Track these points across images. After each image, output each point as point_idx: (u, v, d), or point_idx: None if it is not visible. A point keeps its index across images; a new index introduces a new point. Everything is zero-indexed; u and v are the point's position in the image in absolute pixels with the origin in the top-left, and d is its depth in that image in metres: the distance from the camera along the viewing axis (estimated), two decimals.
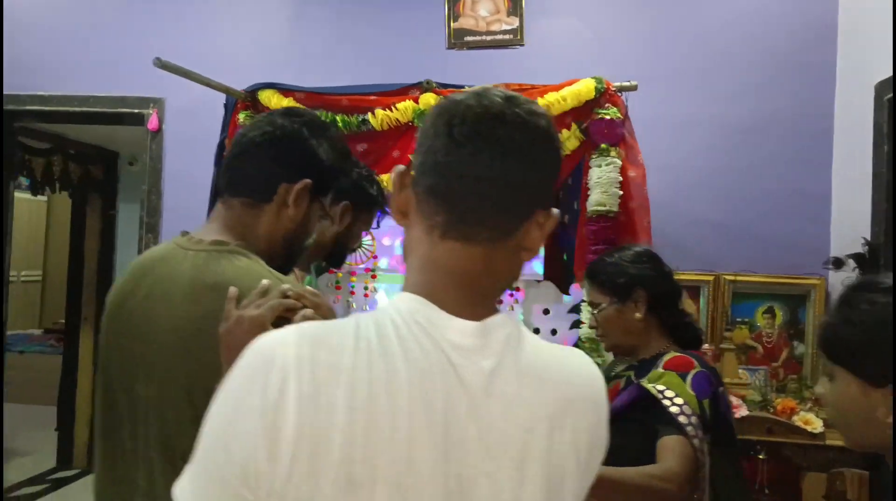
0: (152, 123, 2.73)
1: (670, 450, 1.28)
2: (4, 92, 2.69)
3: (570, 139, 1.89)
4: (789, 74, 2.53)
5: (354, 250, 1.84)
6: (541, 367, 0.66)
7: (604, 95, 1.89)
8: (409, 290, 0.66)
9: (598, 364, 1.25)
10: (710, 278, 2.55)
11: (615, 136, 1.88)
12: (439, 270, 0.66)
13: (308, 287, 1.03)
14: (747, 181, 2.57)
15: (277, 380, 0.58)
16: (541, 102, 1.87)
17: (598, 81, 1.89)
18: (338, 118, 1.94)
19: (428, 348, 0.61)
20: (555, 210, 0.70)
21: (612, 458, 1.36)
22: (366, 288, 2.30)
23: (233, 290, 0.90)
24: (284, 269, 1.04)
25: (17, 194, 3.12)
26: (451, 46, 2.61)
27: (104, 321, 1.01)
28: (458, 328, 0.63)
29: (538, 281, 2.31)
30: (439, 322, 0.63)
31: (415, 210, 0.68)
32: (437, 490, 0.60)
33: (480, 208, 0.65)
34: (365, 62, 2.63)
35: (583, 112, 1.91)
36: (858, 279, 0.90)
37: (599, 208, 1.87)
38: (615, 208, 1.88)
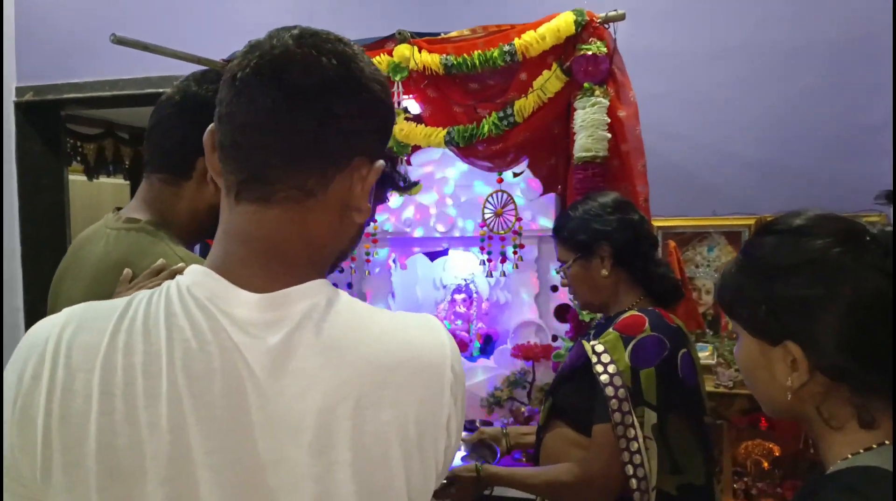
0: None
1: (595, 444, 1.23)
2: (46, 82, 2.87)
3: (550, 81, 1.74)
4: None
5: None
6: (351, 340, 0.58)
7: (586, 29, 1.72)
8: (206, 263, 0.61)
9: None
10: (751, 221, 2.32)
11: (600, 73, 1.71)
12: (235, 237, 0.60)
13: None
14: (787, 114, 2.29)
15: (33, 366, 0.55)
16: (517, 43, 1.74)
17: (579, 13, 1.72)
18: None
19: (202, 326, 0.56)
20: (380, 161, 0.63)
21: (567, 416, 1.30)
22: (367, 253, 2.28)
23: (126, 271, 0.89)
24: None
25: (73, 177, 3.33)
26: None
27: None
28: (245, 303, 0.57)
29: (552, 236, 2.19)
30: (224, 297, 0.57)
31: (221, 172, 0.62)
32: (222, 481, 0.54)
33: (269, 163, 0.58)
34: (344, 18, 2.53)
35: (565, 50, 1.75)
36: (769, 220, 0.77)
37: (585, 153, 1.72)
38: (603, 153, 1.72)
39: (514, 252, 2.14)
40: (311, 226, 0.61)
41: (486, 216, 2.13)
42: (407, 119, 1.88)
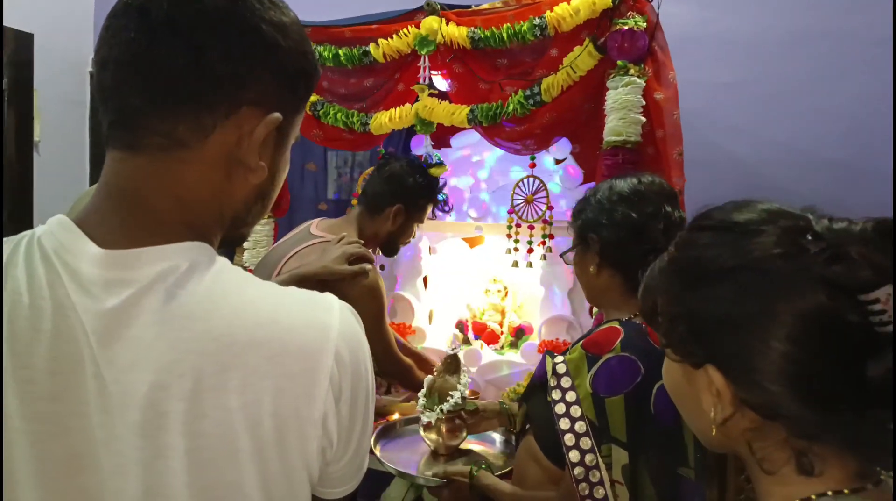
0: None
1: (562, 487, 1.04)
2: None
3: (582, 57, 1.60)
4: None
5: (406, 243, 1.90)
6: (202, 310, 0.51)
7: (625, 2, 1.57)
8: (73, 214, 0.56)
9: None
10: None
11: (637, 50, 1.56)
12: (101, 187, 0.55)
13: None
14: (873, 110, 2.02)
15: None
16: (549, 16, 1.62)
17: None
18: (340, 52, 1.85)
19: (40, 278, 0.51)
20: (274, 114, 0.56)
21: (536, 429, 1.14)
22: None
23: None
24: None
25: None
26: None
27: None
28: (91, 259, 0.51)
29: None
30: (72, 250, 0.52)
31: None
32: (43, 453, 0.49)
33: (131, 105, 0.52)
34: None
35: (600, 24, 1.61)
36: (704, 211, 0.62)
37: (615, 137, 1.57)
38: (634, 138, 1.57)
39: (542, 243, 2.02)
40: (185, 180, 0.54)
41: (516, 203, 2.02)
42: (431, 95, 1.80)
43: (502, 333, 2.41)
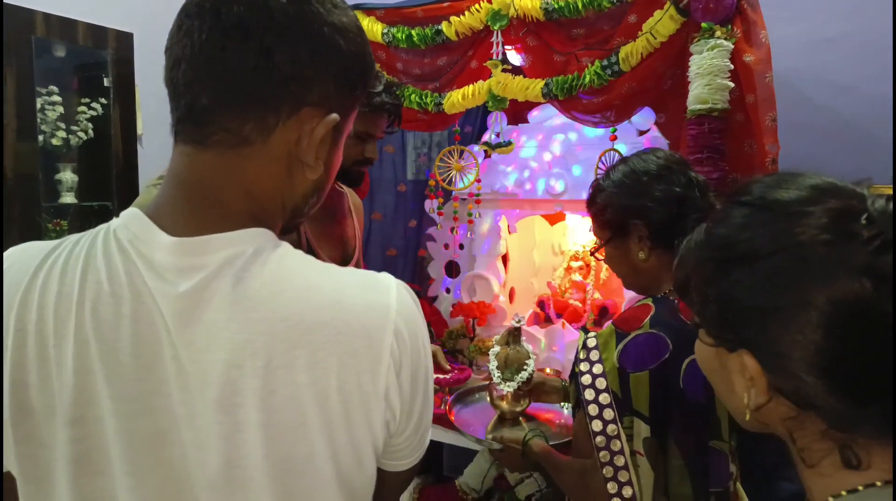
0: None
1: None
2: None
3: (662, 22, 1.51)
4: None
5: (368, 163, 1.39)
6: (269, 293, 0.54)
7: None
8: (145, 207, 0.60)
9: None
10: None
11: (723, 10, 1.45)
12: (170, 180, 0.59)
13: None
14: None
15: None
16: None
17: None
18: (413, 33, 1.85)
19: (118, 267, 0.55)
20: (332, 115, 0.58)
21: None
22: (469, 214, 2.22)
23: None
24: None
25: None
26: None
27: None
28: (163, 247, 0.55)
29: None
30: (146, 240, 0.55)
31: None
32: (131, 429, 0.54)
33: (200, 103, 0.55)
34: None
35: None
36: (741, 184, 0.57)
37: (700, 105, 1.48)
38: (722, 105, 1.47)
39: None
40: (250, 175, 0.57)
41: (599, 177, 1.96)
42: (504, 71, 1.77)
43: (585, 311, 2.36)
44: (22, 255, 0.59)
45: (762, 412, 0.54)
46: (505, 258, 2.47)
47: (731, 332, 0.54)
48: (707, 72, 1.47)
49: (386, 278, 0.60)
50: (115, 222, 0.58)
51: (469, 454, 1.95)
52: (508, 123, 2.11)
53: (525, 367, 1.54)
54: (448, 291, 2.41)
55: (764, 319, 0.51)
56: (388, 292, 0.58)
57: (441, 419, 1.68)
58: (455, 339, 2.24)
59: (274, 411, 0.53)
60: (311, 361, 0.53)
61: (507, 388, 1.54)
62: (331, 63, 0.57)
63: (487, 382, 1.67)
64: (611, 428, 1.01)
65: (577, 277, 2.40)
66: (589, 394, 1.03)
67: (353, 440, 0.56)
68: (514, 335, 1.62)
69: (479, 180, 2.13)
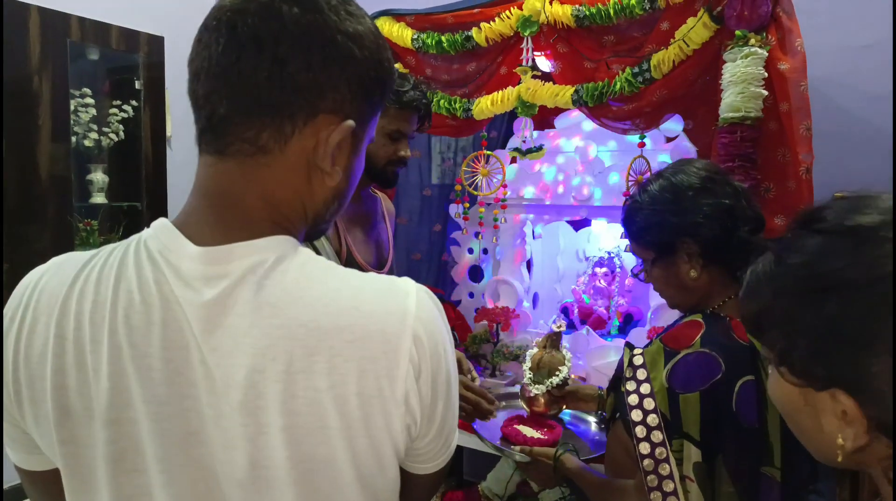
0: None
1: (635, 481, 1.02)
2: None
3: (696, 29, 1.51)
4: None
5: (402, 163, 1.38)
6: (289, 299, 0.55)
7: None
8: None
9: None
10: None
11: (758, 18, 1.44)
12: (196, 191, 0.61)
13: None
14: None
15: (12, 309, 0.60)
16: None
17: None
18: (443, 39, 1.86)
19: (148, 278, 0.57)
20: (348, 121, 0.59)
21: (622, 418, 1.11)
22: (495, 219, 2.22)
23: None
24: None
25: None
26: None
27: None
28: (190, 256, 0.57)
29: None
30: (174, 249, 0.57)
31: None
32: (163, 430, 0.56)
33: (218, 114, 0.57)
34: None
35: None
36: (810, 209, 0.55)
37: (733, 114, 1.47)
38: (755, 113, 1.46)
39: None
40: (270, 183, 0.58)
41: (630, 185, 1.95)
42: (535, 77, 1.77)
43: (609, 318, 2.35)
44: (61, 267, 0.61)
45: (859, 454, 0.51)
46: (529, 264, 2.46)
47: (823, 369, 0.52)
48: (741, 80, 1.46)
49: (406, 283, 0.61)
50: (146, 232, 0.60)
51: (489, 458, 1.95)
52: (535, 129, 2.11)
53: (558, 372, 1.54)
54: (472, 295, 2.41)
55: (866, 354, 0.48)
56: (406, 298, 0.59)
57: (463, 425, 1.68)
58: (478, 344, 2.24)
59: (295, 414, 0.54)
60: (330, 366, 0.54)
61: (536, 390, 1.55)
62: (344, 70, 0.58)
63: (517, 385, 1.68)
64: (659, 451, 0.96)
65: (601, 283, 2.38)
66: (636, 415, 0.98)
67: (374, 443, 0.57)
68: (553, 339, 1.62)
69: (505, 185, 2.13)
